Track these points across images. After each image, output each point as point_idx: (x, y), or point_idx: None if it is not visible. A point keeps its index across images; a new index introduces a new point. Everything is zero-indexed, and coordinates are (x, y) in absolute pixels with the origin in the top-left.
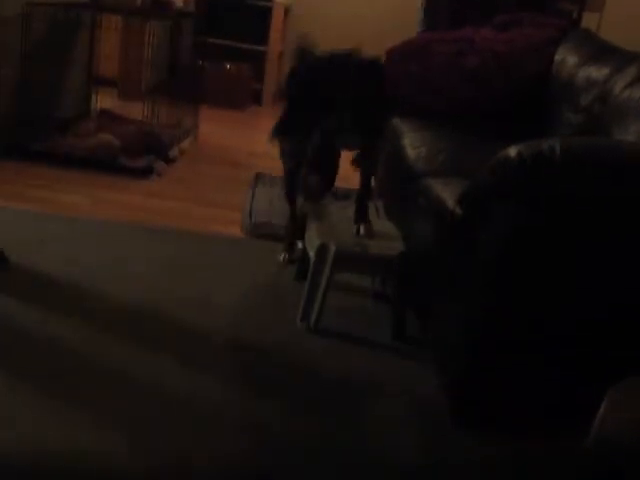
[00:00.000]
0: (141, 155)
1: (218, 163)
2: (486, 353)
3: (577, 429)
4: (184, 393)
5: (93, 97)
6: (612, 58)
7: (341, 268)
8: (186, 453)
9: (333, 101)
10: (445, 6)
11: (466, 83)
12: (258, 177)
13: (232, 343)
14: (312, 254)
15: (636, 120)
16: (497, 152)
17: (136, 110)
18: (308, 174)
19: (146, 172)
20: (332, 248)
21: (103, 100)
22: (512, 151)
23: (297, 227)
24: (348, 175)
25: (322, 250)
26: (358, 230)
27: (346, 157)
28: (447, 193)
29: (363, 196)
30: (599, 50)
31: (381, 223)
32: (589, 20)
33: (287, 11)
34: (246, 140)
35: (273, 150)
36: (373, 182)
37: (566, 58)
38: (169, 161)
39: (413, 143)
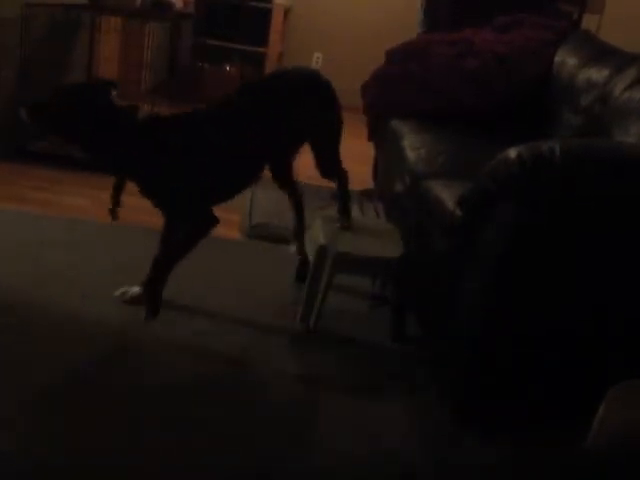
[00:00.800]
0: None
1: None
2: (486, 354)
3: (577, 429)
4: (185, 393)
5: None
6: (612, 59)
7: (341, 270)
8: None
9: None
10: (445, 8)
11: (466, 85)
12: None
13: (232, 344)
14: (312, 256)
15: (636, 121)
16: (497, 153)
17: None
18: None
19: None
20: (332, 250)
21: None
22: (512, 152)
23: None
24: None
25: (322, 252)
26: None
27: (346, 157)
28: (447, 195)
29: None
30: (599, 52)
31: (381, 225)
32: (589, 21)
33: (287, 13)
34: None
35: None
36: (373, 184)
37: (566, 60)
38: None
39: (413, 145)
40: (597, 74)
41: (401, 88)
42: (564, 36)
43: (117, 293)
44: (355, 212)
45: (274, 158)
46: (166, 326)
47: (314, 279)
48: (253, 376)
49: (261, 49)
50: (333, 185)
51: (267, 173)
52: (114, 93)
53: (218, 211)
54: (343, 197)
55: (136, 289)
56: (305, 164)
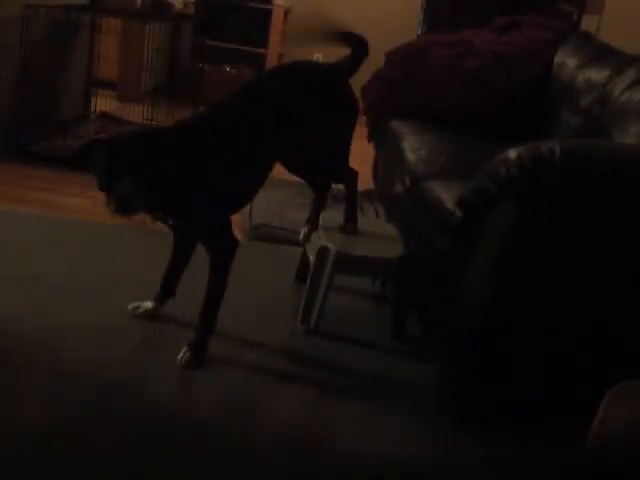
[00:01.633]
0: None
1: None
2: (486, 354)
3: (577, 429)
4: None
5: (92, 99)
6: (611, 60)
7: (341, 270)
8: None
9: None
10: (445, 9)
11: (466, 85)
12: None
13: (232, 344)
14: (312, 256)
15: (635, 122)
16: (497, 154)
17: (135, 112)
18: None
19: None
20: (332, 250)
21: (102, 102)
22: (512, 153)
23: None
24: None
25: (322, 252)
26: (345, 228)
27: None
28: (447, 195)
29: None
30: (598, 52)
31: (381, 225)
32: (589, 22)
33: (287, 13)
34: None
35: None
36: (373, 184)
37: (566, 60)
38: None
39: (413, 145)
40: (596, 75)
41: (401, 89)
42: (564, 36)
43: (129, 307)
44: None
45: (288, 157)
46: (166, 327)
47: (314, 279)
48: (252, 376)
49: (261, 50)
50: (333, 185)
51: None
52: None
53: None
54: (351, 201)
55: (149, 304)
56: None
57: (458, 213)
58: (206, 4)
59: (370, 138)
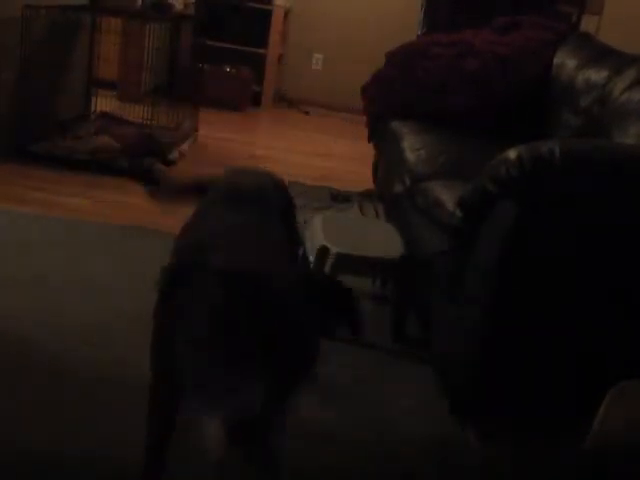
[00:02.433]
0: (141, 157)
1: (218, 165)
2: (486, 354)
3: (577, 429)
4: None
5: (93, 99)
6: (611, 61)
7: (341, 270)
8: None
9: None
10: (445, 9)
11: (466, 85)
12: None
13: None
14: (312, 256)
15: (635, 122)
16: (497, 154)
17: (136, 112)
18: None
19: (145, 174)
20: (332, 250)
21: (103, 102)
22: (512, 153)
23: None
24: (348, 178)
25: (322, 252)
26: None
27: (346, 158)
28: (447, 195)
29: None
30: (598, 53)
31: (381, 225)
32: (588, 22)
33: (287, 14)
34: (246, 143)
35: (273, 152)
36: (373, 185)
37: (565, 61)
38: (169, 163)
39: (413, 146)
40: (596, 75)
41: (401, 89)
42: (563, 37)
43: None
44: (355, 212)
45: None
46: None
47: None
48: None
49: (261, 50)
50: (333, 185)
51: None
52: None
53: None
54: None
55: None
56: (305, 164)
57: (458, 213)
58: (206, 4)
59: (370, 138)
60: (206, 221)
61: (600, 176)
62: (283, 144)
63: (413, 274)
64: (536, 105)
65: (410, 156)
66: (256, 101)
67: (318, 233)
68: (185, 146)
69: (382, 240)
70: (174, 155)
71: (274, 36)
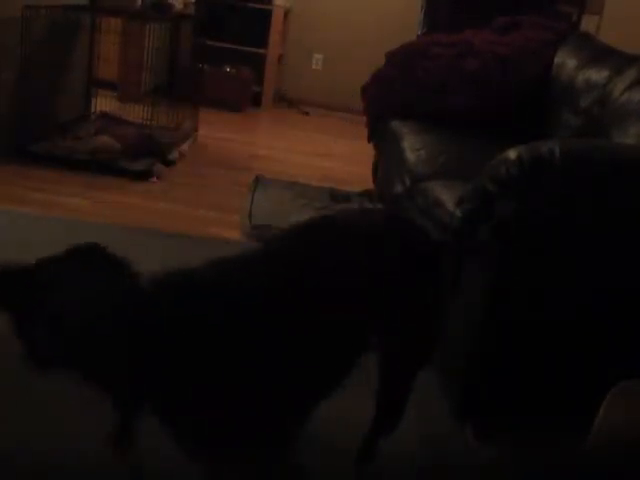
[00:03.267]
0: (140, 157)
1: (218, 166)
2: (486, 354)
3: (577, 429)
4: None
5: (93, 99)
6: (611, 61)
7: None
8: None
9: None
10: (445, 9)
11: (466, 85)
12: (258, 180)
13: None
14: None
15: (635, 122)
16: (497, 154)
17: (136, 112)
18: None
19: (145, 174)
20: None
21: (103, 102)
22: (512, 153)
23: None
24: (348, 178)
25: None
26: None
27: (346, 158)
28: (447, 196)
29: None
30: (598, 53)
31: None
32: (588, 22)
33: (287, 14)
34: (246, 143)
35: (273, 152)
36: (373, 185)
37: (565, 61)
38: (168, 163)
39: (413, 146)
40: (596, 75)
41: (401, 89)
42: (564, 37)
43: None
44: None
45: None
46: None
47: None
48: None
49: (261, 50)
50: (333, 185)
51: (266, 175)
52: None
53: (218, 213)
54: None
55: None
56: (305, 164)
57: (458, 213)
58: (206, 4)
59: (370, 138)
60: None
61: (600, 176)
62: (283, 144)
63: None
64: (536, 105)
65: (410, 156)
66: (256, 101)
67: None
68: (185, 146)
69: None
70: (174, 155)
71: (274, 36)
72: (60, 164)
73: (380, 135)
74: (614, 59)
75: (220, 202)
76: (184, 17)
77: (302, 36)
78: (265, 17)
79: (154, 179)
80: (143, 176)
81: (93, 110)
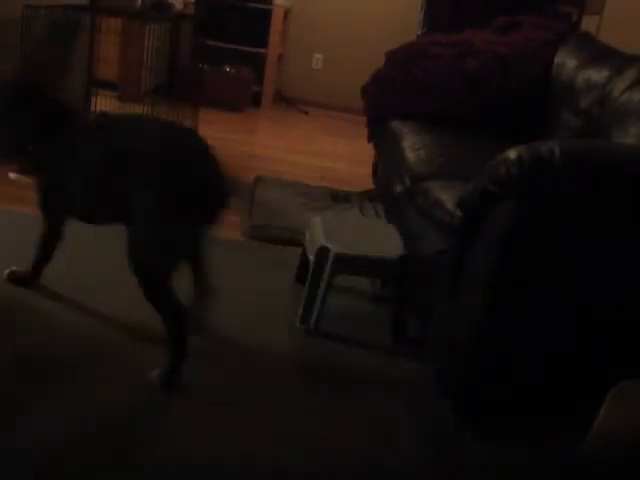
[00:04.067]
0: None
1: None
2: (486, 354)
3: (577, 429)
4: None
5: (92, 99)
6: (611, 61)
7: (341, 270)
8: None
9: None
10: (445, 9)
11: (466, 85)
12: (258, 180)
13: (231, 344)
14: (312, 256)
15: (635, 122)
16: (497, 154)
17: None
18: None
19: None
20: (332, 250)
21: (102, 102)
22: (512, 153)
23: None
24: (348, 178)
25: (322, 252)
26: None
27: (346, 158)
28: (447, 196)
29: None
30: (598, 53)
31: (381, 225)
32: (588, 22)
33: (287, 14)
34: (246, 142)
35: (273, 152)
36: (373, 185)
37: (565, 61)
38: None
39: (413, 146)
40: (596, 75)
41: (401, 89)
42: (564, 37)
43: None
44: (355, 212)
45: None
46: None
47: (314, 279)
48: (252, 377)
49: (261, 50)
50: (333, 185)
51: (266, 174)
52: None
53: None
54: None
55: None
56: (305, 164)
57: (458, 213)
58: (206, 4)
59: (370, 138)
60: None
61: (600, 176)
62: (283, 144)
63: (413, 274)
64: (536, 105)
65: (410, 156)
66: (256, 101)
67: (318, 233)
68: None
69: (382, 240)
70: None
71: (274, 36)
72: None
73: (380, 135)
74: (614, 59)
75: None
76: (184, 17)
77: (302, 36)
78: (265, 17)
79: None
80: None
81: (93, 110)
